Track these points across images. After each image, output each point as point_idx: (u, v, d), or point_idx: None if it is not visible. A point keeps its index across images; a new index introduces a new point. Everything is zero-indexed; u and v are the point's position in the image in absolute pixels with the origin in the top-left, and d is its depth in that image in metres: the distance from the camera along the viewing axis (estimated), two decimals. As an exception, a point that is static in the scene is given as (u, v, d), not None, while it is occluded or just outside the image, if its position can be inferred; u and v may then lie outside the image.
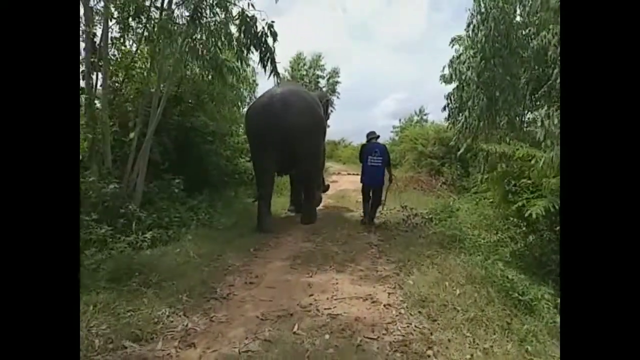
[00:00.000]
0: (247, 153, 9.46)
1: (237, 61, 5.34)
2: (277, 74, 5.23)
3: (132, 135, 4.83)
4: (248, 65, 7.41)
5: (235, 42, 4.96)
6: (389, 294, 3.22)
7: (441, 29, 69.11)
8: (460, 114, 7.41)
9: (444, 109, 8.36)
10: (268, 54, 4.94)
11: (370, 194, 6.14)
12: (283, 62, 23.53)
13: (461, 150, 6.58)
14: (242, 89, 11.00)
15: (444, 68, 11.09)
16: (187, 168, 6.59)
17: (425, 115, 26.76)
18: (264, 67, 5.11)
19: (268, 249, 4.60)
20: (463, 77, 6.93)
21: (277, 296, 3.14)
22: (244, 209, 6.91)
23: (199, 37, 4.89)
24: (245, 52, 5.08)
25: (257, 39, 4.71)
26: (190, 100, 6.71)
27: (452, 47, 10.64)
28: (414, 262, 3.96)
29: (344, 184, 15.04)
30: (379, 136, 6.46)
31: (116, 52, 6.18)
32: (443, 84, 11.63)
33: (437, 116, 24.22)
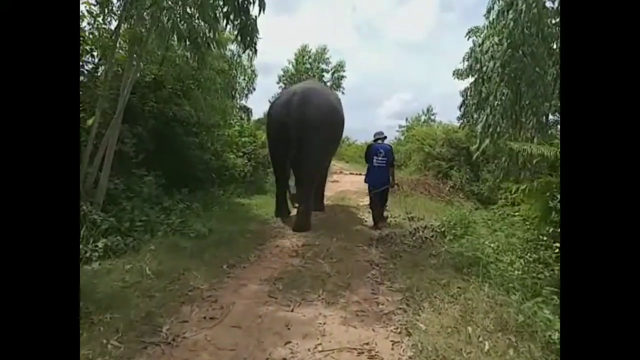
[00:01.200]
0: (238, 147, 8.68)
1: (210, 32, 4.39)
2: (254, 49, 4.37)
3: (90, 121, 4.03)
4: (220, 33, 6.42)
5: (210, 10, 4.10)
6: (393, 343, 2.40)
7: (450, 30, 67.82)
8: (479, 112, 6.55)
9: (461, 106, 7.52)
10: (248, 24, 4.06)
11: (379, 197, 5.97)
12: (288, 56, 22.68)
13: (478, 152, 5.69)
14: (237, 77, 10.25)
15: (464, 59, 10.27)
16: (166, 163, 5.81)
17: (433, 115, 25.92)
18: (243, 40, 4.25)
19: (245, 265, 3.79)
20: (484, 69, 6.07)
21: (242, 342, 2.33)
22: (228, 211, 6.11)
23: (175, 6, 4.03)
24: (224, 21, 4.20)
25: (238, 5, 3.84)
26: (172, 86, 5.89)
27: (468, 39, 9.84)
28: (424, 293, 3.15)
29: (345, 184, 14.25)
30: (385, 137, 6.34)
31: (95, 31, 5.38)
32: (456, 79, 10.82)
33: (445, 117, 23.34)
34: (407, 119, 26.84)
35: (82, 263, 3.36)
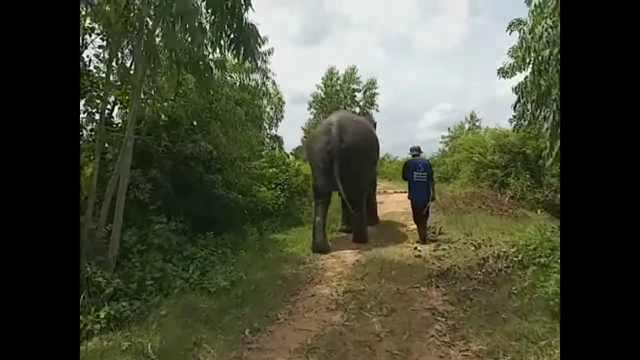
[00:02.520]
0: (269, 179, 8.14)
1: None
2: (254, 59, 3.78)
3: (89, 170, 3.60)
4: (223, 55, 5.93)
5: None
6: None
7: (482, 33, 66.11)
8: (541, 109, 5.50)
9: (515, 105, 6.49)
10: (244, 30, 3.44)
11: (422, 213, 6.03)
12: (316, 80, 22.54)
13: (551, 158, 4.57)
14: (262, 106, 9.90)
15: (509, 54, 9.22)
16: (187, 206, 5.32)
17: (477, 121, 24.35)
18: (237, 48, 3.61)
19: (272, 329, 3.04)
20: (540, 58, 5.07)
21: None
22: (259, 252, 5.45)
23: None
24: (213, 30, 3.62)
25: (228, 9, 3.25)
26: (187, 122, 5.49)
27: (510, 33, 8.84)
28: (515, 357, 2.22)
29: (390, 204, 13.25)
30: (422, 152, 6.68)
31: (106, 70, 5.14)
32: (501, 78, 9.75)
33: (490, 123, 21.76)
34: (449, 129, 25.42)
35: (82, 338, 2.81)
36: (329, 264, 4.88)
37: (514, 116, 9.15)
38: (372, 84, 21.75)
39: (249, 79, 9.28)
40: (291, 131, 26.77)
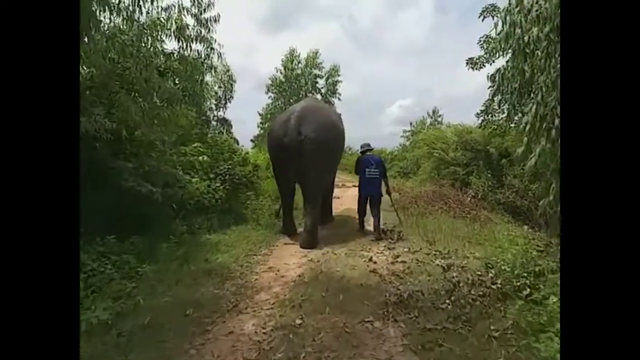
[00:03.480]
0: (206, 169, 6.99)
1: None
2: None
3: None
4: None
5: None
6: None
7: (447, 32, 68.51)
8: (524, 100, 4.79)
9: (493, 95, 5.80)
10: None
11: (368, 205, 6.31)
12: (276, 63, 21.16)
13: (532, 160, 3.83)
14: (206, 83, 8.65)
15: (480, 43, 8.67)
16: (85, 201, 4.08)
17: (439, 117, 24.24)
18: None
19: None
20: (526, 38, 4.32)
21: None
22: (178, 259, 4.36)
23: None
24: None
25: None
26: (83, 90, 4.23)
27: (483, 19, 8.23)
28: None
29: (347, 200, 12.49)
30: (372, 148, 6.66)
31: None
32: (470, 69, 9.15)
33: (450, 120, 21.61)
34: (411, 124, 25.16)
35: None
36: (264, 281, 3.90)
37: (482, 111, 8.56)
38: (334, 70, 20.73)
39: (189, 49, 7.97)
40: (253, 119, 25.32)
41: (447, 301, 3.08)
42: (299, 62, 20.42)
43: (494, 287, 3.10)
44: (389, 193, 6.57)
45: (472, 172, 12.05)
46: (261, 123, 21.08)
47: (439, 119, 24.04)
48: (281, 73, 20.49)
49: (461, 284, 3.30)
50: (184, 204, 6.11)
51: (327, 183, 6.86)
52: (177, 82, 7.53)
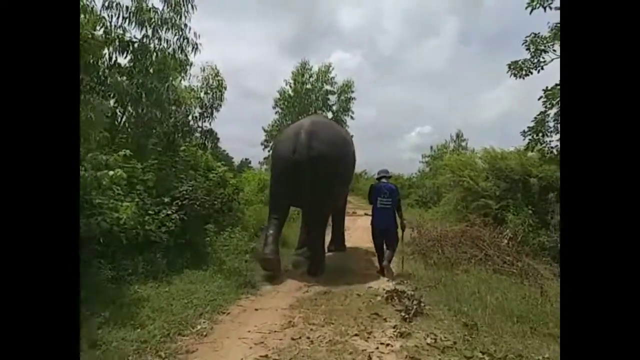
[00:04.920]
0: (139, 190, 5.27)
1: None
2: None
3: None
4: None
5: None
6: None
7: (469, 62, 68.34)
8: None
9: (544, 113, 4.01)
10: None
11: (383, 239, 5.59)
12: (285, 75, 19.81)
13: None
14: (181, 84, 7.11)
15: (526, 44, 7.07)
16: None
17: (463, 141, 22.28)
18: None
19: None
20: None
21: None
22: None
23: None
24: None
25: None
26: None
27: (530, 12, 6.59)
28: None
29: (356, 232, 10.64)
30: (390, 176, 6.09)
31: None
32: (513, 77, 7.37)
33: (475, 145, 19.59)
34: (432, 148, 23.25)
35: None
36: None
37: (530, 129, 6.70)
38: (347, 86, 19.05)
39: (157, 39, 6.44)
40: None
41: None
42: (310, 77, 19.00)
43: None
44: (402, 227, 5.75)
45: (508, 206, 9.98)
46: (265, 141, 19.57)
47: (463, 144, 22.10)
48: (290, 87, 19.07)
49: None
50: (115, 241, 4.38)
51: (336, 205, 6.37)
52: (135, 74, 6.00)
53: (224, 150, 35.12)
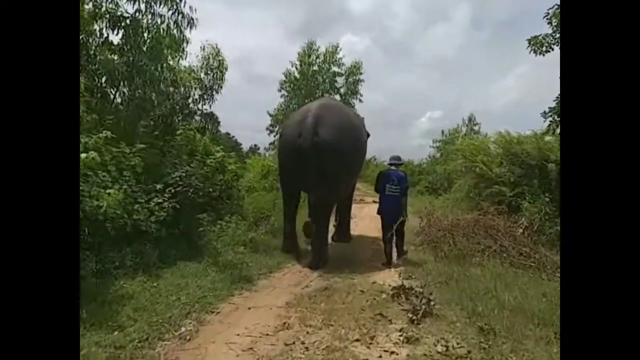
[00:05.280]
0: (127, 176, 4.94)
1: None
2: None
3: None
4: None
5: None
6: None
7: (481, 48, 67.01)
8: None
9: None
10: None
11: (392, 231, 5.37)
12: (291, 56, 19.20)
13: None
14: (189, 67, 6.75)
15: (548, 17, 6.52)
16: None
17: (475, 125, 21.57)
18: None
19: None
20: None
21: None
22: None
23: None
24: None
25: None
26: None
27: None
28: None
29: (363, 221, 10.29)
30: (402, 163, 6.04)
31: None
32: (532, 54, 6.81)
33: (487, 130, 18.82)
34: (443, 132, 22.54)
35: None
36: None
37: (551, 109, 6.18)
38: (356, 68, 18.33)
39: (150, 13, 6.03)
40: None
41: None
42: (317, 57, 18.36)
43: None
44: (404, 217, 5.56)
45: (523, 193, 9.48)
46: (271, 126, 19.12)
47: (476, 128, 21.36)
48: (296, 69, 18.48)
49: None
50: (101, 230, 4.09)
51: (343, 194, 6.17)
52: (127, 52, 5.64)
53: (233, 137, 34.98)
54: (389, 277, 4.54)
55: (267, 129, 19.35)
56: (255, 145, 29.13)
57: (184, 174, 5.31)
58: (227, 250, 4.73)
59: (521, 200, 9.25)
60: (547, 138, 10.34)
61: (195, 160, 6.54)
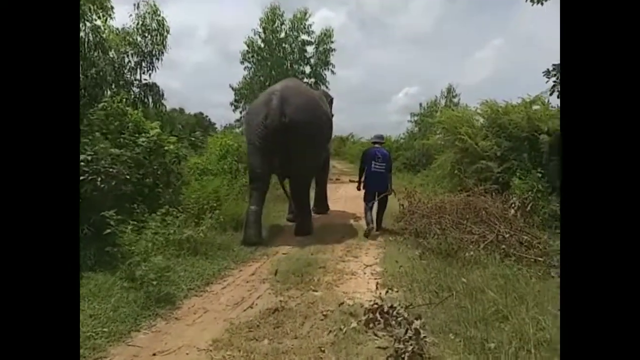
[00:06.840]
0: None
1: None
2: None
3: None
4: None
5: None
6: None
7: (454, 22, 67.13)
8: None
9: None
10: None
11: (375, 198, 5.99)
12: (253, 24, 17.48)
13: None
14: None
15: None
16: None
17: (455, 97, 20.69)
18: None
19: None
20: None
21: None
22: None
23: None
24: None
25: None
26: None
27: None
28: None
29: (340, 199, 9.36)
30: (384, 141, 7.00)
31: None
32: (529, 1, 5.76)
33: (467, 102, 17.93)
34: (421, 105, 21.60)
35: None
36: None
37: (555, 67, 5.19)
38: (327, 36, 16.78)
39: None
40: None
41: None
42: (282, 24, 16.70)
43: None
44: (390, 192, 6.22)
45: (512, 169, 8.65)
46: (236, 101, 17.45)
47: (455, 100, 20.47)
48: (260, 37, 16.78)
49: None
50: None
51: (316, 168, 6.58)
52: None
53: (206, 116, 33.01)
54: (364, 286, 3.52)
55: (231, 104, 17.77)
56: (230, 125, 27.74)
57: (89, 158, 4.04)
58: (146, 257, 3.56)
59: (510, 176, 8.47)
60: (535, 107, 9.52)
61: (124, 139, 5.30)
